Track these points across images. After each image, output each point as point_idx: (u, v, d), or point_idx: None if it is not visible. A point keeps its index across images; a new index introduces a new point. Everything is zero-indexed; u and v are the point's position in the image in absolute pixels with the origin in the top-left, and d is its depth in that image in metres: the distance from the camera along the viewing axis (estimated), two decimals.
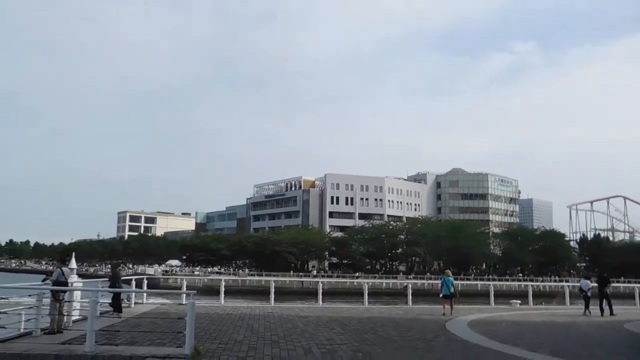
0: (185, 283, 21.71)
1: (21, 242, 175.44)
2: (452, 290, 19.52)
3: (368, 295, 24.01)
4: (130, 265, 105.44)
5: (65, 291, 12.13)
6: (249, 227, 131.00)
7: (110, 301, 16.61)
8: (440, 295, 19.85)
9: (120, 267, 17.68)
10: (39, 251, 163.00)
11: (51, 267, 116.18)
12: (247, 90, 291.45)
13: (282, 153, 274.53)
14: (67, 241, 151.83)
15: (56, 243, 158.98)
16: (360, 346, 11.13)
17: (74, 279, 18.82)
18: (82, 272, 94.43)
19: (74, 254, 20.93)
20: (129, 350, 10.13)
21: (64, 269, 12.26)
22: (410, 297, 24.89)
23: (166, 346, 10.68)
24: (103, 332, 12.22)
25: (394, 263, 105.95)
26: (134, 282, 19.63)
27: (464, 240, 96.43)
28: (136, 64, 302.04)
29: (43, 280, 12.05)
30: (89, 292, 16.00)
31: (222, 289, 22.47)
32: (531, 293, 27.26)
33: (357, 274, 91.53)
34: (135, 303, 20.65)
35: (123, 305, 18.40)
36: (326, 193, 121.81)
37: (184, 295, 19.10)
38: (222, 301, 22.10)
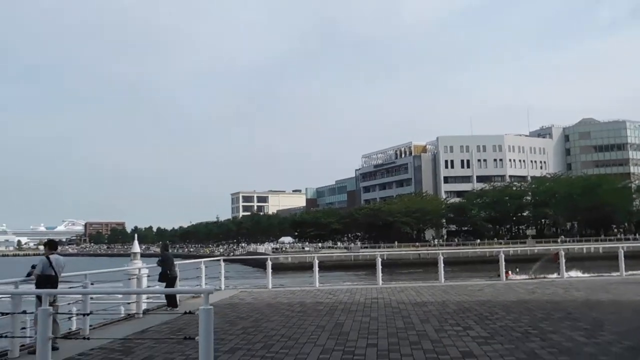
0: (276, 260, 17.31)
1: (145, 228, 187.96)
2: None
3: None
4: (244, 245, 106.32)
5: (55, 289, 8.11)
6: (360, 199, 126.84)
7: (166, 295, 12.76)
8: None
9: (170, 248, 13.72)
10: (161, 236, 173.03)
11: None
12: (348, 62, 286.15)
13: (388, 121, 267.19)
14: (186, 225, 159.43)
15: (176, 227, 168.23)
16: None
17: (137, 264, 15.25)
18: (195, 254, 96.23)
19: (136, 235, 17.63)
20: None
21: (52, 257, 8.22)
22: (564, 266, 18.72)
23: None
24: (111, 345, 8.15)
25: (520, 227, 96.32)
26: (203, 267, 15.67)
27: (602, 197, 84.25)
28: (232, 41, 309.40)
29: (28, 275, 8.09)
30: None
31: (316, 269, 17.89)
32: None
33: (478, 240, 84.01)
34: (214, 290, 16.84)
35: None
36: (439, 157, 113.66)
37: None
38: (317, 283, 17.57)
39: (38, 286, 7.94)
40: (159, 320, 10.83)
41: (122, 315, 11.43)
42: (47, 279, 8.00)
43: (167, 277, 12.39)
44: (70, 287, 9.31)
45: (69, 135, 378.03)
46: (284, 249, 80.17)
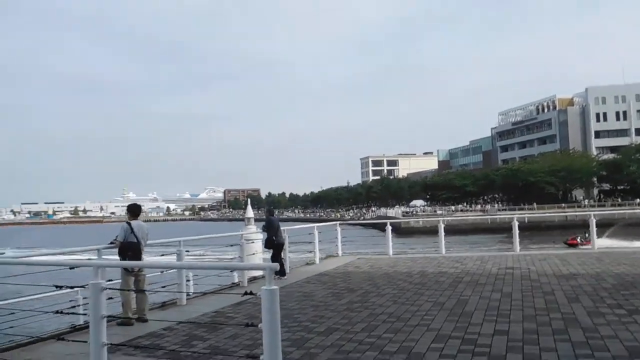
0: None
1: (278, 194, 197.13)
2: None
3: None
4: (374, 209, 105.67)
5: (139, 258, 7.52)
6: (496, 159, 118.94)
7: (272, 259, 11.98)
8: None
9: (275, 212, 12.80)
10: (294, 201, 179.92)
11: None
12: (480, 18, 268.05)
13: (527, 76, 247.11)
14: (317, 190, 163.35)
15: (308, 192, 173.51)
16: None
17: (250, 229, 14.73)
18: (325, 218, 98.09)
19: (249, 200, 17.14)
20: None
21: (133, 223, 7.61)
22: None
23: None
24: (202, 318, 7.42)
25: None
26: (316, 232, 14.68)
27: None
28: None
29: (111, 243, 7.57)
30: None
31: (442, 234, 16.09)
32: None
33: (638, 200, 74.39)
34: (329, 256, 15.95)
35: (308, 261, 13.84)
36: (589, 110, 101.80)
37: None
38: (443, 250, 15.82)
39: (120, 254, 7.43)
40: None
41: (227, 284, 10.81)
42: (129, 247, 7.43)
43: (273, 243, 11.57)
44: (162, 255, 8.79)
45: (207, 111, 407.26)
46: (414, 212, 78.12)
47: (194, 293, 9.80)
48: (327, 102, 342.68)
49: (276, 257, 11.64)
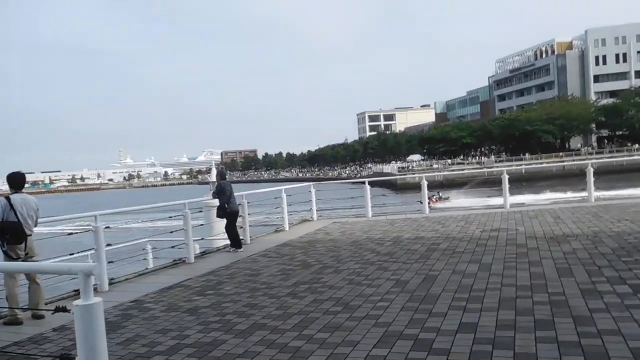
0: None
1: (275, 154, 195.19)
2: None
3: None
4: (370, 165, 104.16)
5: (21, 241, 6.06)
6: (494, 109, 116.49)
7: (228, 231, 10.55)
8: None
9: (227, 175, 11.23)
10: (291, 161, 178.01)
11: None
12: None
13: (525, 19, 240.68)
14: (313, 149, 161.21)
15: (305, 152, 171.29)
16: None
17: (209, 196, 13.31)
18: (322, 177, 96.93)
19: (214, 163, 15.69)
20: None
21: (15, 197, 6.11)
22: None
23: None
24: (116, 310, 5.98)
25: None
26: (284, 195, 13.24)
27: None
28: None
29: None
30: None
31: (425, 191, 14.75)
32: None
33: (637, 145, 72.96)
34: (303, 221, 14.60)
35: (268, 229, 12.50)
36: (588, 53, 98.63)
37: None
38: (427, 210, 14.51)
39: None
40: (207, 268, 8.65)
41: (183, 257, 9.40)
42: (8, 227, 5.95)
43: (226, 211, 10.13)
44: (70, 234, 7.30)
45: (203, 73, 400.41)
46: (410, 167, 76.60)
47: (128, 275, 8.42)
48: (324, 60, 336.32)
49: (230, 227, 10.23)
